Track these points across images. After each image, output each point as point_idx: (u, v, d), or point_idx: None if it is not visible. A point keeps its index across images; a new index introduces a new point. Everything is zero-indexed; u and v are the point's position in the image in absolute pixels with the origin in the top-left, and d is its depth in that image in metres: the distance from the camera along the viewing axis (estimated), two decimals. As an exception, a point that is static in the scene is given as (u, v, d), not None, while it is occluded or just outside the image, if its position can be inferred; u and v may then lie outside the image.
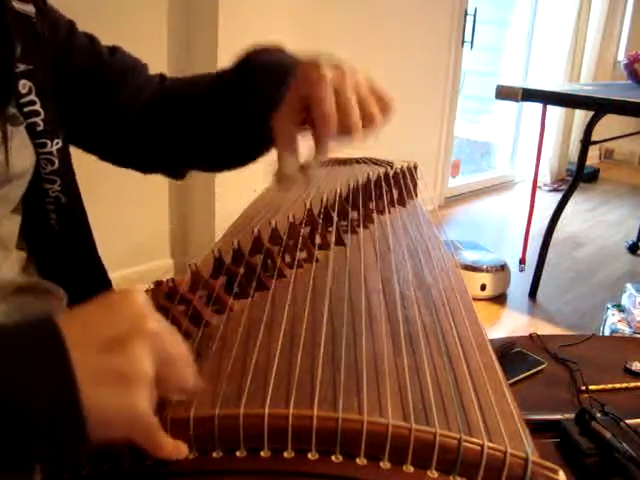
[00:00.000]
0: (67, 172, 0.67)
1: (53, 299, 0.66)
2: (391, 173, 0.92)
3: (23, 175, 0.61)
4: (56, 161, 0.65)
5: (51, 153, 0.64)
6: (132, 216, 2.13)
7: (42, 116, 0.63)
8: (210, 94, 0.72)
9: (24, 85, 0.61)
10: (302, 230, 0.69)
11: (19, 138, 0.60)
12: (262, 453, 0.38)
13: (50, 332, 0.32)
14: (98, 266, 0.74)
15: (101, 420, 0.32)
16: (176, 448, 0.37)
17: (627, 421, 0.75)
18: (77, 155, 0.79)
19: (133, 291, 0.36)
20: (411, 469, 0.37)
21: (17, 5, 0.59)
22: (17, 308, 0.60)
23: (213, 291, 0.57)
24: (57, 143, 0.65)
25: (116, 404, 0.32)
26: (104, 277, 0.75)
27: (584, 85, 3.31)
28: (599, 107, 2.25)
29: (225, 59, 0.74)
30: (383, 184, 0.88)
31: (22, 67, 0.61)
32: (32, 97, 0.62)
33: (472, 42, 3.54)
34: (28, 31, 0.61)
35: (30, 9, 0.62)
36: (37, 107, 0.62)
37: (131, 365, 0.33)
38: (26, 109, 0.61)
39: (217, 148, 0.75)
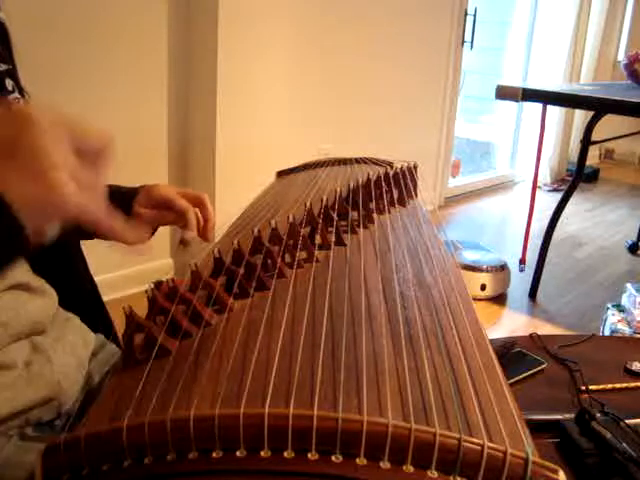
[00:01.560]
0: None
1: (44, 297, 0.67)
2: (391, 173, 0.92)
3: None
4: None
5: None
6: (132, 216, 2.12)
7: None
8: None
9: (9, 83, 0.63)
10: (302, 230, 0.69)
11: None
12: (262, 453, 0.38)
13: None
14: (83, 263, 0.75)
15: (32, 211, 0.36)
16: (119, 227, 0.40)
17: (627, 421, 0.75)
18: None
19: (24, 106, 0.39)
20: (411, 469, 0.37)
21: None
22: (9, 304, 0.61)
23: (213, 291, 0.57)
24: None
25: (43, 190, 0.36)
26: (89, 275, 0.76)
27: (584, 85, 3.31)
28: (599, 107, 2.25)
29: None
30: (383, 184, 0.88)
31: (4, 67, 0.63)
32: (16, 94, 0.64)
33: (472, 42, 3.54)
34: (3, 35, 0.65)
35: (3, 16, 0.65)
36: (22, 104, 0.64)
37: (39, 156, 0.36)
38: None
39: None
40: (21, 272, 0.66)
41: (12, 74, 0.64)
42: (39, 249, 0.69)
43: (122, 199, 0.79)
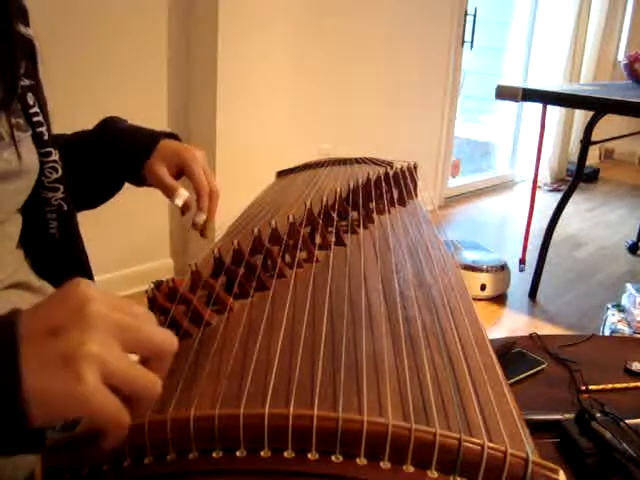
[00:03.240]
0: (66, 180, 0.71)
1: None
2: (391, 173, 0.92)
3: (32, 172, 0.64)
4: (59, 169, 0.69)
5: (56, 161, 0.68)
6: (132, 216, 2.13)
7: (45, 127, 0.67)
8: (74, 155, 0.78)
9: (30, 98, 0.65)
10: (302, 230, 0.69)
11: (25, 144, 0.63)
12: (262, 453, 0.38)
13: (6, 324, 0.35)
14: (86, 266, 0.77)
15: (48, 403, 0.34)
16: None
17: (627, 421, 0.75)
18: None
19: (80, 281, 0.37)
20: (411, 469, 0.37)
21: (22, 29, 0.65)
22: (11, 301, 0.61)
23: (213, 291, 0.57)
24: (57, 153, 0.69)
25: (60, 385, 0.33)
26: (92, 277, 0.78)
27: (584, 85, 3.31)
28: (599, 107, 2.25)
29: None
30: (383, 184, 0.88)
31: (27, 82, 0.65)
32: (36, 109, 0.66)
33: (472, 42, 3.54)
34: (30, 51, 0.67)
35: (32, 33, 0.67)
36: (40, 118, 0.66)
37: (72, 346, 0.34)
38: (34, 119, 0.65)
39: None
40: (24, 272, 0.67)
41: (34, 89, 0.66)
42: (46, 256, 0.70)
43: (137, 148, 0.77)
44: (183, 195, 0.75)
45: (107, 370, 0.34)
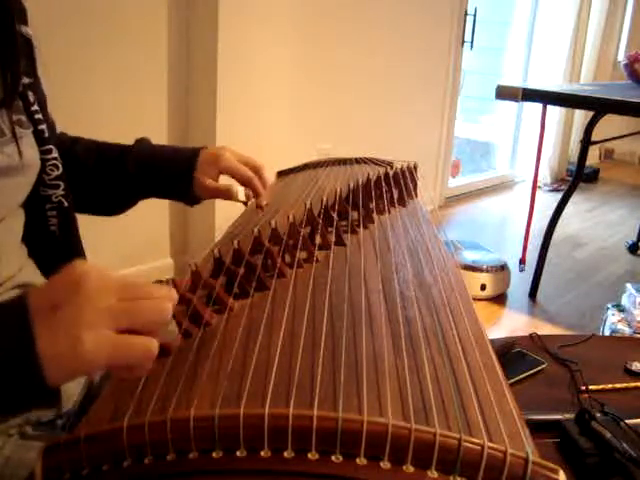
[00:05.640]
0: (67, 177, 0.72)
1: None
2: (391, 173, 0.92)
3: (33, 168, 0.65)
4: (60, 166, 0.70)
5: (56, 159, 0.69)
6: (132, 216, 2.13)
7: (46, 125, 0.68)
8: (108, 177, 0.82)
9: (30, 95, 0.67)
10: (302, 230, 0.69)
11: (26, 140, 0.64)
12: (262, 453, 0.38)
13: (19, 302, 0.41)
14: None
15: (59, 364, 0.39)
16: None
17: (627, 421, 0.75)
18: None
19: (77, 262, 0.43)
20: (411, 469, 0.37)
21: (22, 28, 0.66)
22: None
23: (213, 291, 0.57)
24: (57, 151, 0.70)
25: (65, 349, 0.39)
26: None
27: (584, 85, 3.31)
28: (599, 107, 2.25)
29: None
30: (383, 184, 0.88)
31: (27, 80, 0.66)
32: (36, 107, 0.67)
33: (472, 42, 3.54)
34: (29, 50, 0.68)
35: (31, 32, 0.68)
36: (41, 116, 0.68)
37: (72, 317, 0.40)
38: (35, 117, 0.67)
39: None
40: (29, 271, 0.67)
41: (34, 87, 0.68)
42: (46, 253, 0.71)
43: (180, 166, 0.81)
44: (240, 190, 0.81)
45: (112, 318, 0.40)
